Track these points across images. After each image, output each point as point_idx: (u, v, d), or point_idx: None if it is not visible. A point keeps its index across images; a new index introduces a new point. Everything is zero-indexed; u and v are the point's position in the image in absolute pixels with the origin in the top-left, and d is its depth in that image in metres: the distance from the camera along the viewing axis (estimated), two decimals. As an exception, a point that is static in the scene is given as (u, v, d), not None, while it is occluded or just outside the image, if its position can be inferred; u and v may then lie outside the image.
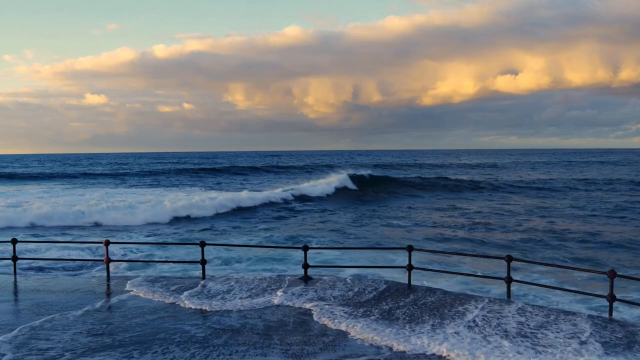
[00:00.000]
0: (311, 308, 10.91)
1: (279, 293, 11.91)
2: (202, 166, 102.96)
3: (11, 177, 72.61)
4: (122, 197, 43.30)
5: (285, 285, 12.56)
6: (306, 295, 11.79)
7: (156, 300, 11.79)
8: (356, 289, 12.12)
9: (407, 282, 12.57)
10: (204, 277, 13.58)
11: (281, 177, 77.22)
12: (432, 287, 12.74)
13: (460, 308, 10.55)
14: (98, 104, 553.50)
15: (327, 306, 10.93)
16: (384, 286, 12.35)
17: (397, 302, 11.09)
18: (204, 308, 11.14)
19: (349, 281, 12.96)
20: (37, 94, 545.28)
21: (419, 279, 14.54)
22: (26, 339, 9.11)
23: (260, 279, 13.26)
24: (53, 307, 11.12)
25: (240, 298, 11.79)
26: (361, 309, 10.69)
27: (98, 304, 11.37)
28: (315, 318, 10.28)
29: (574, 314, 10.25)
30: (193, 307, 11.22)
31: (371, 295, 11.67)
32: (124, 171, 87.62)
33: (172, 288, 12.65)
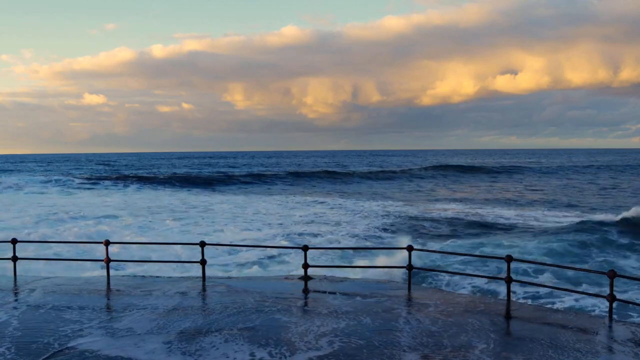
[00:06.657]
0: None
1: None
2: (331, 168, 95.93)
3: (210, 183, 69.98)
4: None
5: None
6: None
7: None
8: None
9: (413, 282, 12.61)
10: (203, 278, 13.51)
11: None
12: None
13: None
14: (97, 103, 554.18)
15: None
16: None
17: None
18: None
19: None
20: (36, 94, 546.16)
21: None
22: None
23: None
24: None
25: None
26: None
27: None
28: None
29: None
30: None
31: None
32: (272, 173, 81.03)
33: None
